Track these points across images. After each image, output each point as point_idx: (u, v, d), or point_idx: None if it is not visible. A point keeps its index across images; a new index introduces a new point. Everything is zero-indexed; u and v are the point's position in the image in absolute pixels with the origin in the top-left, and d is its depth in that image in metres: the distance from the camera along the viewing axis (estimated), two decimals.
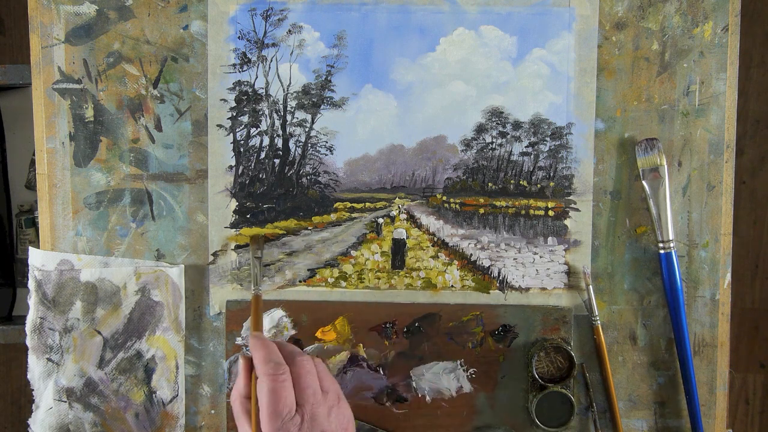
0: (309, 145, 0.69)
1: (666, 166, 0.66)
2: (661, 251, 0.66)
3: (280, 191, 0.69)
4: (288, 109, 0.68)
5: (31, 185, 1.07)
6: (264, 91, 0.68)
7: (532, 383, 0.67)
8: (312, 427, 0.51)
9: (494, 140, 0.68)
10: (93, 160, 0.68)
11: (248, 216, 0.69)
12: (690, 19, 0.67)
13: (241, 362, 0.55)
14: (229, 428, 0.69)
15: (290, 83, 0.68)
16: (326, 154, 0.69)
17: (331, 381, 0.55)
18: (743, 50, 0.69)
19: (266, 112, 0.68)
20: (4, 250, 1.06)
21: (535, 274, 0.69)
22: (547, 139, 0.68)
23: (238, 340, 0.68)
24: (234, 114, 0.68)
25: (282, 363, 0.53)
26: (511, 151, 0.69)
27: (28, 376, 0.69)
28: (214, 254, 0.69)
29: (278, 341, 0.56)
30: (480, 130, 0.68)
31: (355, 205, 0.70)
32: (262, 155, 0.69)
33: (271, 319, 0.68)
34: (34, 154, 0.94)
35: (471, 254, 0.69)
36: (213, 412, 0.69)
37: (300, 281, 0.69)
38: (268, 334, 0.68)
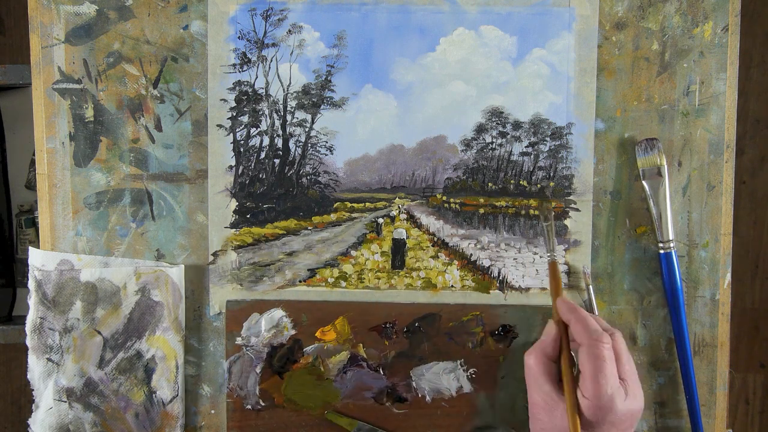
0: (309, 145, 0.69)
1: (666, 166, 0.66)
2: (661, 251, 0.66)
3: (280, 191, 0.69)
4: (288, 109, 0.68)
5: (31, 185, 1.07)
6: (264, 91, 0.68)
7: None
8: (632, 402, 0.52)
9: (494, 140, 0.68)
10: (93, 160, 0.68)
11: (248, 216, 0.69)
12: (690, 19, 0.67)
13: (553, 327, 0.56)
14: (229, 428, 0.69)
15: (290, 83, 0.68)
16: (326, 154, 0.69)
17: (632, 362, 0.56)
18: (743, 50, 0.69)
19: (266, 112, 0.68)
20: (4, 250, 1.06)
21: (535, 274, 0.69)
22: (547, 139, 0.68)
23: (238, 340, 0.68)
24: (234, 114, 0.68)
25: (605, 333, 0.54)
26: (511, 151, 0.69)
27: (28, 376, 0.69)
28: (214, 254, 0.69)
29: (593, 315, 0.58)
30: (480, 130, 0.68)
31: (355, 205, 0.70)
32: (262, 155, 0.69)
33: (271, 319, 0.69)
34: (34, 154, 0.94)
35: (471, 254, 0.69)
36: (213, 412, 0.69)
37: (300, 281, 0.69)
38: (268, 335, 0.68)
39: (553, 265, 0.63)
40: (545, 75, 0.68)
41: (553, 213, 0.67)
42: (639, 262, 0.68)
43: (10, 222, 1.08)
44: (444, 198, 0.69)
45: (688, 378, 0.66)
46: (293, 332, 0.69)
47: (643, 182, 0.67)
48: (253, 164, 0.69)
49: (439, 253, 0.69)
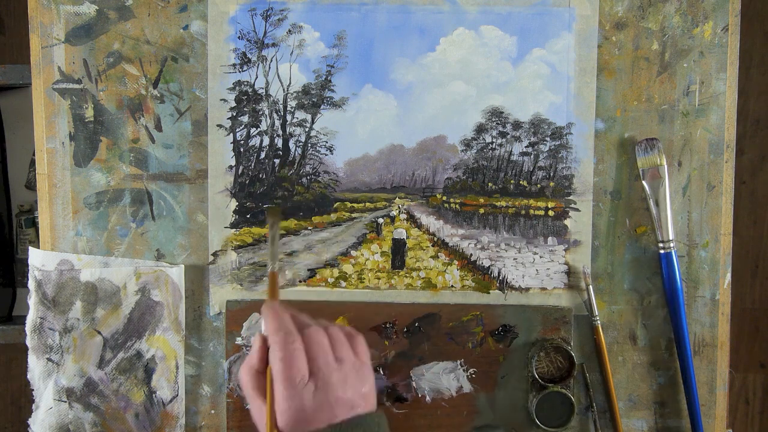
0: (309, 145, 0.69)
1: (666, 166, 0.66)
2: (661, 251, 0.66)
3: (280, 191, 0.69)
4: (288, 109, 0.68)
5: (31, 185, 1.07)
6: (264, 91, 0.68)
7: (532, 383, 0.67)
8: (326, 393, 0.52)
9: (494, 140, 0.68)
10: (93, 160, 0.68)
11: (248, 216, 0.69)
12: (690, 19, 0.67)
13: (257, 338, 0.55)
14: (229, 428, 0.69)
15: (290, 83, 0.68)
16: (326, 154, 0.69)
17: (346, 350, 0.54)
18: (743, 50, 0.69)
19: (266, 112, 0.69)
20: (4, 250, 1.06)
21: (535, 274, 0.69)
22: (547, 139, 0.68)
23: (238, 340, 0.68)
24: (234, 114, 0.68)
25: (292, 332, 0.53)
26: (511, 151, 0.69)
27: (28, 376, 0.69)
28: (214, 254, 0.69)
29: (292, 310, 0.56)
30: (480, 130, 0.68)
31: (355, 205, 0.70)
32: (262, 155, 0.69)
33: None
34: (34, 154, 0.94)
35: (471, 254, 0.69)
36: (213, 412, 0.69)
37: (300, 281, 0.69)
38: None
39: (272, 277, 0.60)
40: (545, 75, 0.68)
41: (280, 221, 0.65)
42: (639, 262, 0.68)
43: (10, 222, 1.08)
44: (444, 198, 0.69)
45: (688, 378, 0.66)
46: None
47: (643, 182, 0.67)
48: (253, 164, 0.69)
49: (439, 253, 0.69)
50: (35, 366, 0.68)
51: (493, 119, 0.68)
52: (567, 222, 0.68)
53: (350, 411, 0.52)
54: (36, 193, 0.69)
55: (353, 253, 0.70)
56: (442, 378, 0.68)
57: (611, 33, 0.67)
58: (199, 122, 0.68)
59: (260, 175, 0.69)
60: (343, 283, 0.69)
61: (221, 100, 0.68)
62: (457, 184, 0.69)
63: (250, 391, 0.54)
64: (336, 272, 0.69)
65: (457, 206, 0.69)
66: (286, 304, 0.57)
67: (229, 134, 0.68)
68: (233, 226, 0.69)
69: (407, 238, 0.70)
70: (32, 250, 0.69)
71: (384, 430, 0.53)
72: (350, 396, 0.52)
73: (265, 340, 0.54)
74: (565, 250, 0.68)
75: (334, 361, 0.53)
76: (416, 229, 0.70)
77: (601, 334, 0.67)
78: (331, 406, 0.51)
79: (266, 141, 0.69)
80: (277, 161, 0.69)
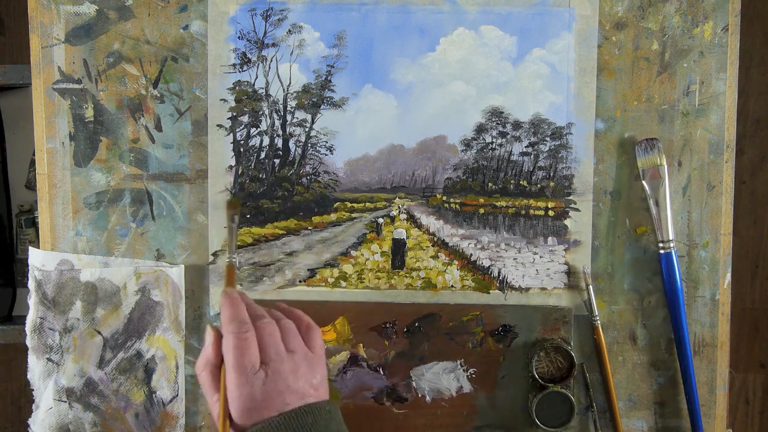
0: (309, 145, 0.69)
1: (666, 166, 0.66)
2: (661, 251, 0.66)
3: (280, 191, 0.69)
4: (288, 109, 0.68)
5: (31, 185, 1.07)
6: (264, 91, 0.68)
7: (532, 383, 0.67)
8: (276, 381, 0.53)
9: (494, 140, 0.68)
10: (93, 160, 0.68)
11: (248, 216, 0.69)
12: (690, 19, 0.67)
13: (210, 332, 0.56)
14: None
15: (290, 83, 0.68)
16: (326, 154, 0.69)
17: (298, 342, 0.56)
18: (743, 50, 0.69)
19: (266, 112, 0.69)
20: (4, 250, 1.06)
21: (535, 274, 0.69)
22: (547, 139, 0.68)
23: None
24: (234, 114, 0.68)
25: (246, 321, 0.55)
26: (511, 151, 0.69)
27: (28, 376, 0.69)
28: (214, 254, 0.69)
29: (248, 301, 0.58)
30: (480, 130, 0.68)
31: (355, 205, 0.70)
32: (262, 155, 0.69)
33: None
34: (34, 154, 0.94)
35: (471, 254, 0.69)
36: None
37: (300, 281, 0.69)
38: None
39: (228, 270, 0.62)
40: (545, 75, 0.68)
41: (238, 215, 0.67)
42: (639, 262, 0.68)
43: (10, 222, 1.08)
44: (444, 198, 0.69)
45: (688, 378, 0.66)
46: None
47: (643, 182, 0.67)
48: (253, 164, 0.69)
49: (439, 253, 0.69)
50: (35, 366, 0.68)
51: (493, 119, 0.68)
52: (567, 222, 0.68)
53: (301, 400, 0.53)
54: (36, 193, 0.69)
55: (353, 253, 0.70)
56: (442, 378, 0.68)
57: (611, 33, 0.67)
58: (199, 122, 0.68)
59: (260, 175, 0.69)
60: (343, 283, 0.69)
61: (221, 100, 0.68)
62: (457, 184, 0.69)
63: (207, 385, 0.55)
64: (336, 272, 0.69)
65: (457, 206, 0.69)
66: (242, 293, 0.59)
67: (229, 134, 0.68)
68: None
69: (407, 238, 0.70)
70: (32, 250, 0.69)
71: (337, 418, 0.54)
72: (301, 385, 0.54)
73: (218, 333, 0.56)
74: (565, 250, 0.68)
75: (284, 351, 0.54)
76: (416, 229, 0.70)
77: (601, 334, 0.67)
78: (281, 394, 0.53)
79: (266, 141, 0.69)
80: (277, 161, 0.69)
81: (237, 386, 0.52)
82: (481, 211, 0.69)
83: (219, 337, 0.55)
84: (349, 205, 0.70)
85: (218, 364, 0.55)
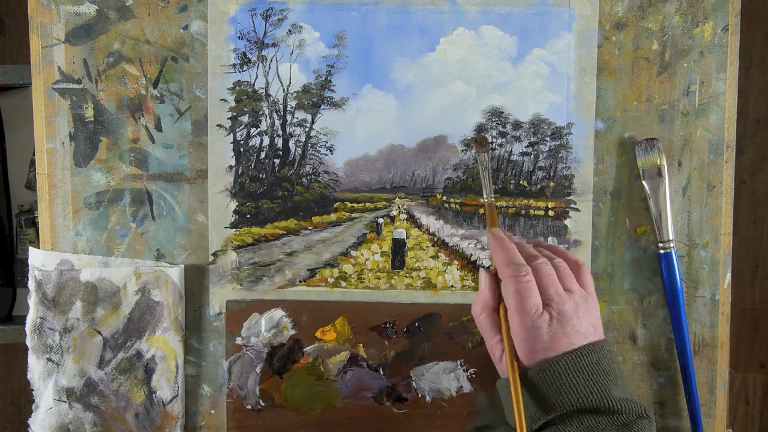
0: (309, 145, 0.69)
1: (666, 166, 0.66)
2: (661, 251, 0.66)
3: (280, 191, 0.69)
4: (288, 109, 0.68)
5: (31, 185, 1.07)
6: (264, 91, 0.68)
7: None
8: (561, 323, 0.53)
9: (494, 140, 0.68)
10: (93, 160, 0.68)
11: (248, 216, 0.69)
12: (690, 19, 0.67)
13: (485, 275, 0.56)
14: (229, 428, 0.69)
15: (290, 83, 0.68)
16: (326, 154, 0.69)
17: (574, 282, 0.56)
18: (743, 50, 0.69)
19: (266, 112, 0.69)
20: (4, 250, 1.06)
21: None
22: (547, 139, 0.68)
23: (238, 340, 0.68)
24: (234, 114, 0.68)
25: (523, 264, 0.55)
26: (511, 151, 0.69)
27: (28, 376, 0.69)
28: (214, 254, 0.69)
29: (515, 240, 0.58)
30: (480, 130, 0.68)
31: (355, 205, 0.70)
32: (262, 155, 0.69)
33: (271, 319, 0.69)
34: (34, 154, 0.94)
35: (471, 254, 0.69)
36: (213, 412, 0.69)
37: (300, 281, 0.69)
38: (268, 335, 0.68)
39: (489, 207, 0.62)
40: (545, 75, 0.68)
41: (489, 150, 0.66)
42: (639, 262, 0.68)
43: (10, 222, 1.08)
44: (444, 198, 0.69)
45: (688, 378, 0.66)
46: (293, 332, 0.69)
47: (643, 182, 0.67)
48: (253, 164, 0.69)
49: (439, 253, 0.69)
50: (35, 366, 0.68)
51: (493, 119, 0.68)
52: (567, 222, 0.68)
53: (583, 339, 0.53)
54: (36, 193, 0.69)
55: (353, 253, 0.70)
56: (442, 378, 0.68)
57: (611, 33, 0.67)
58: (199, 122, 0.68)
59: (260, 175, 0.69)
60: (343, 283, 0.69)
61: (221, 100, 0.68)
62: (457, 184, 0.69)
63: (487, 328, 0.56)
64: (336, 272, 0.69)
65: (457, 206, 0.69)
66: (506, 232, 0.59)
67: (229, 134, 0.68)
68: (233, 226, 0.69)
69: (407, 238, 0.70)
70: (32, 250, 0.69)
71: (615, 359, 0.55)
72: (583, 325, 0.54)
73: (493, 276, 0.56)
74: (566, 250, 0.68)
75: (563, 291, 0.54)
76: (416, 229, 0.70)
77: None
78: (567, 335, 0.53)
79: (266, 141, 0.69)
80: (277, 161, 0.69)
81: (522, 329, 0.53)
82: (481, 211, 0.69)
83: (494, 279, 0.56)
84: (349, 205, 0.70)
85: (496, 306, 0.56)
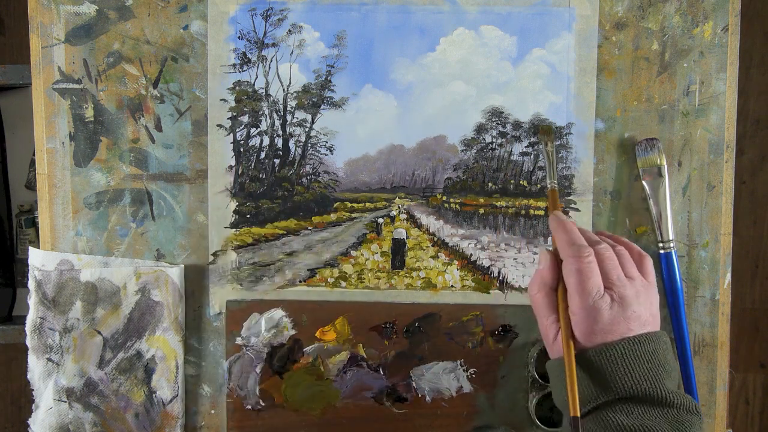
0: (309, 145, 0.69)
1: (666, 166, 0.66)
2: (661, 251, 0.66)
3: (280, 191, 0.69)
4: (288, 109, 0.68)
5: (31, 185, 1.07)
6: (264, 91, 0.68)
7: (532, 383, 0.67)
8: (623, 307, 0.53)
9: (494, 140, 0.68)
10: (93, 160, 0.68)
11: (248, 216, 0.69)
12: (690, 19, 0.67)
13: (546, 255, 0.56)
14: (229, 428, 0.69)
15: (290, 83, 0.68)
16: (326, 154, 0.69)
17: (635, 269, 0.56)
18: (743, 50, 0.69)
19: (266, 112, 0.69)
20: (4, 250, 1.06)
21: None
22: None
23: (238, 340, 0.68)
24: (234, 114, 0.68)
25: (586, 245, 0.55)
26: (511, 151, 0.69)
27: (28, 376, 0.69)
28: (214, 254, 0.69)
29: (581, 228, 0.58)
30: (480, 130, 0.68)
31: (355, 205, 0.70)
32: (262, 155, 0.69)
33: (271, 319, 0.69)
34: (34, 154, 0.94)
35: (471, 254, 0.69)
36: (213, 412, 0.69)
37: (300, 281, 0.69)
38: (268, 335, 0.68)
39: (552, 193, 0.63)
40: (545, 75, 0.68)
41: (555, 139, 0.67)
42: None
43: (10, 222, 1.08)
44: (444, 198, 0.69)
45: (688, 378, 0.66)
46: (293, 332, 0.69)
47: (643, 182, 0.67)
48: (253, 164, 0.69)
49: (439, 253, 0.69)
50: (35, 366, 0.68)
51: (493, 119, 0.68)
52: None
53: (642, 327, 0.53)
54: (36, 193, 0.69)
55: (353, 253, 0.70)
56: (442, 378, 0.68)
57: (611, 33, 0.67)
58: (199, 122, 0.68)
59: (260, 175, 0.69)
60: (343, 283, 0.69)
61: (221, 100, 0.68)
62: (457, 184, 0.69)
63: (543, 307, 0.56)
64: (336, 272, 0.69)
65: (457, 206, 0.69)
66: (570, 219, 0.59)
67: (229, 134, 0.68)
68: (233, 226, 0.69)
69: (407, 238, 0.70)
70: (32, 250, 0.69)
71: (671, 351, 0.55)
72: (643, 312, 0.54)
73: (554, 256, 0.56)
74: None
75: (624, 277, 0.54)
76: (416, 229, 0.70)
77: None
78: (627, 320, 0.53)
79: (266, 141, 0.69)
80: (277, 161, 0.69)
81: (582, 309, 0.53)
82: (481, 211, 0.69)
83: (554, 259, 0.56)
84: (349, 205, 0.70)
85: (554, 286, 0.56)
